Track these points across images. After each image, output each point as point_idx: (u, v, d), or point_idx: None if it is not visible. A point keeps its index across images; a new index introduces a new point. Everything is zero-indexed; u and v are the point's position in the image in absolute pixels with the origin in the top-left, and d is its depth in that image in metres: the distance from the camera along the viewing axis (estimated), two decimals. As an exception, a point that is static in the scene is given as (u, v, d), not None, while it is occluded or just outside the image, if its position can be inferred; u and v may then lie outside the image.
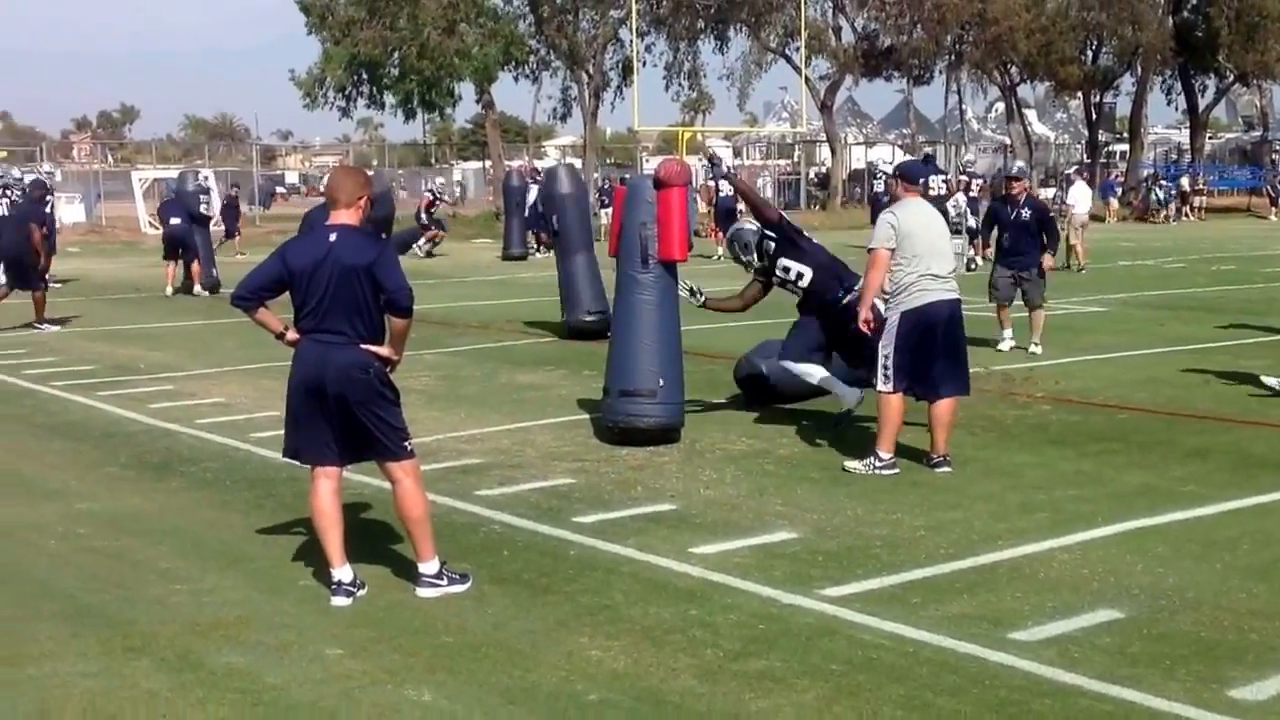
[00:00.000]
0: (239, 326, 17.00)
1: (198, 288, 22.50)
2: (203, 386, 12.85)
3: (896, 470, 8.94)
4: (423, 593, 6.47)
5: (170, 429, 10.76)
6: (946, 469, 9.06)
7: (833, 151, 56.26)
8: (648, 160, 56.78)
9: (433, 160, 66.06)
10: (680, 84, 56.59)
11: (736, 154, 66.68)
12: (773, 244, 10.57)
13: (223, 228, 33.00)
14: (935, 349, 9.01)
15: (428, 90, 50.54)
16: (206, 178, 28.82)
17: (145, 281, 24.54)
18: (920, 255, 8.92)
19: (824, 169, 59.05)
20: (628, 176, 16.38)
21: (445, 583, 6.51)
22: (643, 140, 71.59)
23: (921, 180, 9.72)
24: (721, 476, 9.01)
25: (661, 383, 9.87)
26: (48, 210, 22.54)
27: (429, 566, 6.51)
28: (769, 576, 6.77)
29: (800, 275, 10.45)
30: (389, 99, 51.80)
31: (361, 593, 6.43)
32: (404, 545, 6.92)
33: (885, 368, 8.98)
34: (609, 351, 10.29)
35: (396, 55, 49.65)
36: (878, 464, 8.95)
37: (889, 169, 10.42)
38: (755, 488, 8.71)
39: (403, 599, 6.45)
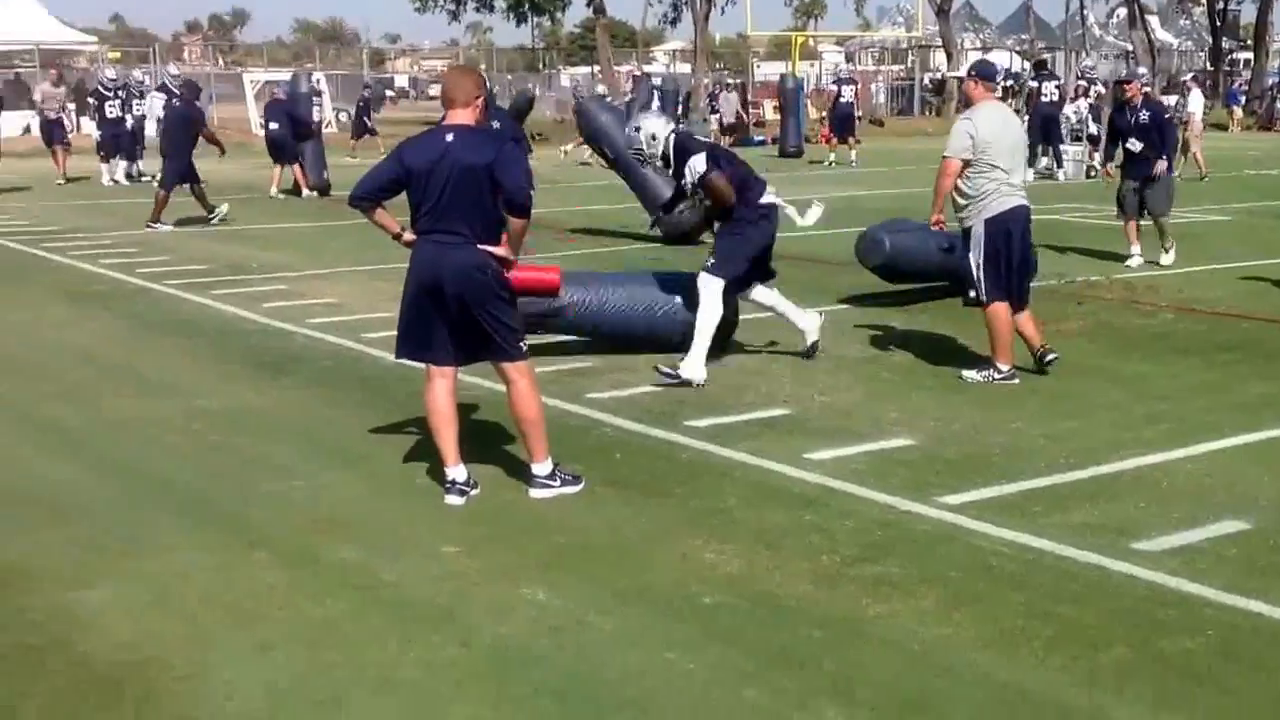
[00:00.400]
0: (350, 228, 17.11)
1: (305, 190, 22.65)
2: (314, 287, 12.93)
3: (1016, 380, 8.75)
4: (535, 493, 6.45)
5: (283, 328, 10.84)
6: (1055, 355, 8.92)
7: (948, 57, 55.10)
8: (758, 66, 56.09)
9: (540, 65, 65.78)
10: (793, -13, 55.72)
11: (849, 59, 65.61)
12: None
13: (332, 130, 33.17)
14: (1014, 257, 8.80)
15: (538, -8, 50.26)
16: (318, 81, 28.84)
17: (257, 182, 24.68)
18: (999, 162, 8.68)
19: (939, 75, 57.92)
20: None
21: (558, 484, 6.49)
22: (753, 45, 70.77)
23: (997, 81, 9.40)
24: (836, 383, 8.89)
25: None
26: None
27: (542, 467, 6.48)
28: (885, 483, 6.68)
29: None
30: (498, 2, 51.62)
31: (475, 492, 6.43)
32: (516, 446, 6.91)
33: (979, 280, 8.77)
34: None
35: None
36: (996, 375, 8.76)
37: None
38: (870, 394, 8.58)
39: (516, 499, 6.44)
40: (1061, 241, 15.17)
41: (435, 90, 65.26)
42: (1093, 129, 26.07)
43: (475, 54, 70.87)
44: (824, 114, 34.33)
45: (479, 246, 6.26)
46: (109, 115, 24.96)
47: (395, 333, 6.57)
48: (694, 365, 8.79)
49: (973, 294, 8.85)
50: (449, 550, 5.76)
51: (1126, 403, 8.36)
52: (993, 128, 8.76)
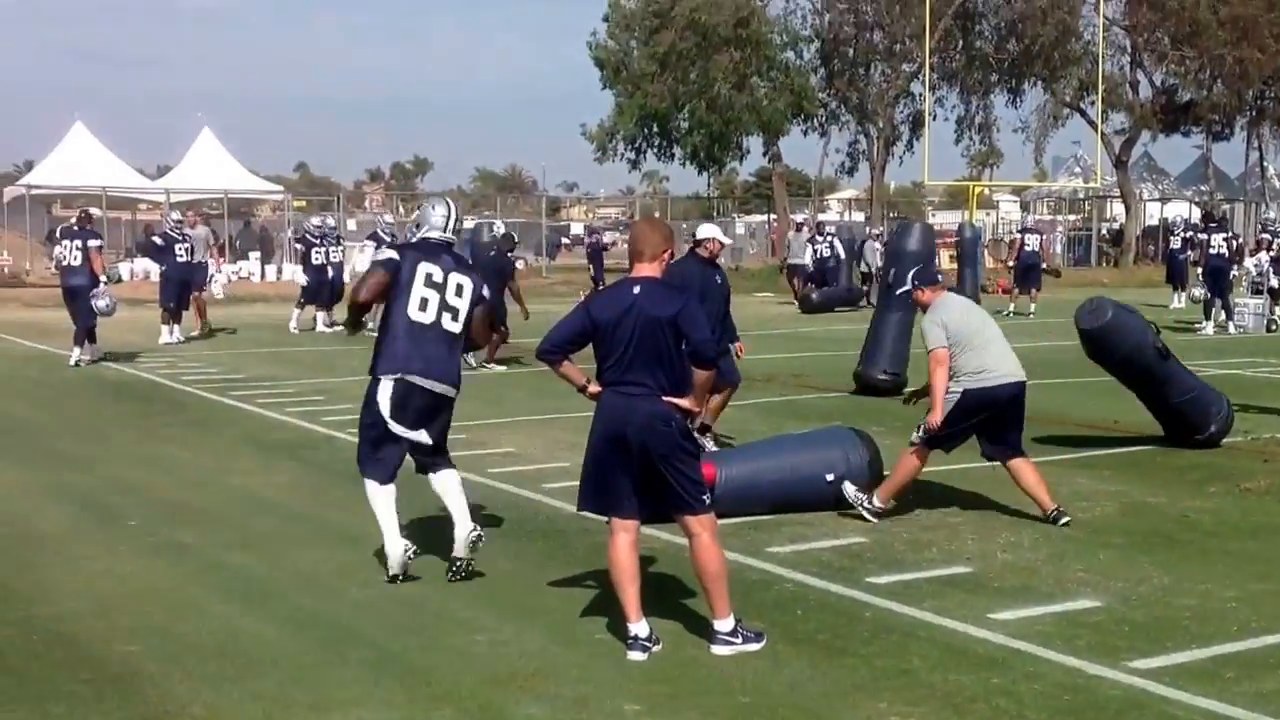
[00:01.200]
0: (527, 377, 17.45)
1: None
2: (493, 435, 13.10)
3: None
4: (718, 650, 6.41)
5: (464, 478, 10.95)
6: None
7: (1127, 208, 54.57)
8: (933, 215, 55.98)
9: (716, 213, 66.59)
10: (971, 137, 55.77)
11: (1024, 208, 65.16)
12: None
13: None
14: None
15: (715, 143, 51.08)
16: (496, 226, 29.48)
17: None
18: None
19: (1116, 225, 57.22)
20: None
21: (740, 640, 6.44)
22: (929, 194, 70.74)
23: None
24: (1019, 540, 8.72)
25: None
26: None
27: (724, 624, 6.44)
28: (1073, 646, 6.52)
29: None
30: (677, 151, 52.54)
31: (657, 648, 6.41)
32: (696, 601, 6.89)
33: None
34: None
35: (686, 109, 50.36)
36: None
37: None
38: (1055, 552, 8.39)
39: (697, 655, 6.40)
40: (1245, 398, 14.73)
41: (610, 238, 66.51)
42: (1274, 282, 25.51)
43: (650, 202, 72.01)
44: (1006, 262, 34.00)
45: (664, 398, 6.34)
46: (314, 262, 25.42)
47: (573, 483, 6.64)
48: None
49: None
50: (632, 708, 5.73)
51: (1321, 564, 8.06)
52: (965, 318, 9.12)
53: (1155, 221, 57.70)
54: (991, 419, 9.15)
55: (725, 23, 47.76)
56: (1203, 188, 59.19)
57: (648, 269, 6.52)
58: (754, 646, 6.44)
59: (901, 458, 9.27)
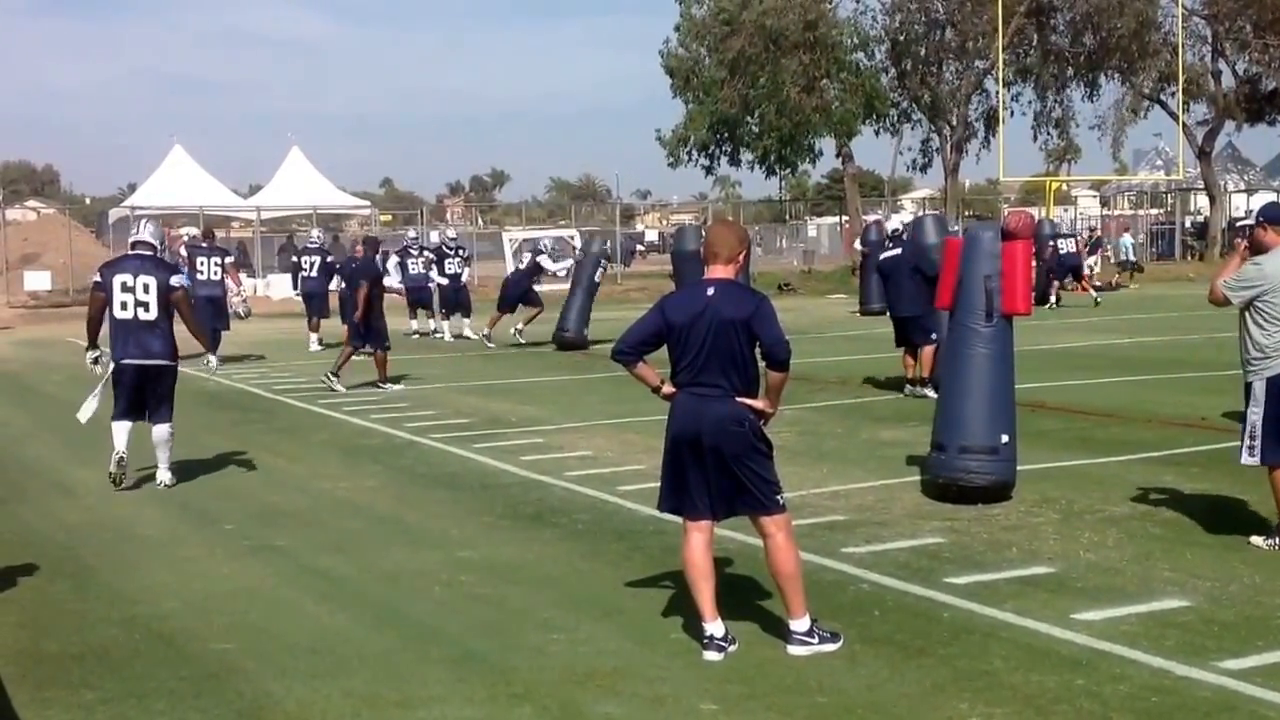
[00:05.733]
0: (602, 381, 17.52)
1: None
2: (570, 440, 13.18)
3: None
4: (794, 650, 6.40)
5: (542, 480, 11.07)
6: None
7: (1211, 200, 53.77)
8: (1008, 212, 55.40)
9: (788, 216, 66.44)
10: (1048, 133, 55.22)
11: (1104, 204, 64.42)
12: None
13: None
14: None
15: (785, 146, 51.03)
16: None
17: (505, 338, 25.44)
18: None
19: (1200, 218, 56.42)
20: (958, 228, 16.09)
21: (816, 641, 6.42)
22: (1004, 191, 70.13)
23: None
24: (1103, 539, 8.61)
25: (1005, 439, 9.61)
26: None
27: (800, 624, 6.43)
28: (1160, 646, 6.42)
29: None
30: (747, 156, 52.58)
31: (733, 648, 6.41)
32: (772, 601, 6.89)
33: (1254, 438, 8.31)
34: (940, 405, 10.08)
35: (757, 113, 50.36)
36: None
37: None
38: (1140, 552, 8.28)
39: (773, 655, 6.39)
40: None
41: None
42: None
43: (723, 207, 71.98)
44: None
45: (737, 399, 6.35)
46: (448, 271, 26.18)
47: (649, 484, 6.67)
48: None
49: (1247, 455, 8.41)
50: (708, 708, 5.74)
51: None
52: None
53: (1241, 213, 56.85)
54: None
55: (794, 26, 47.71)
56: (1291, 177, 58.21)
57: (722, 270, 6.52)
58: (830, 647, 6.42)
59: None
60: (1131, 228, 51.67)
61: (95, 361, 11.23)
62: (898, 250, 16.06)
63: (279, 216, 53.17)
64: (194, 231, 25.85)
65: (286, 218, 54.21)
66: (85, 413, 11.14)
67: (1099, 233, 50.69)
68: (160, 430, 11.06)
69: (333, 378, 17.59)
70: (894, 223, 18.35)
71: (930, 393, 14.45)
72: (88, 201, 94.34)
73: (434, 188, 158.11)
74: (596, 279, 24.36)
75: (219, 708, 5.89)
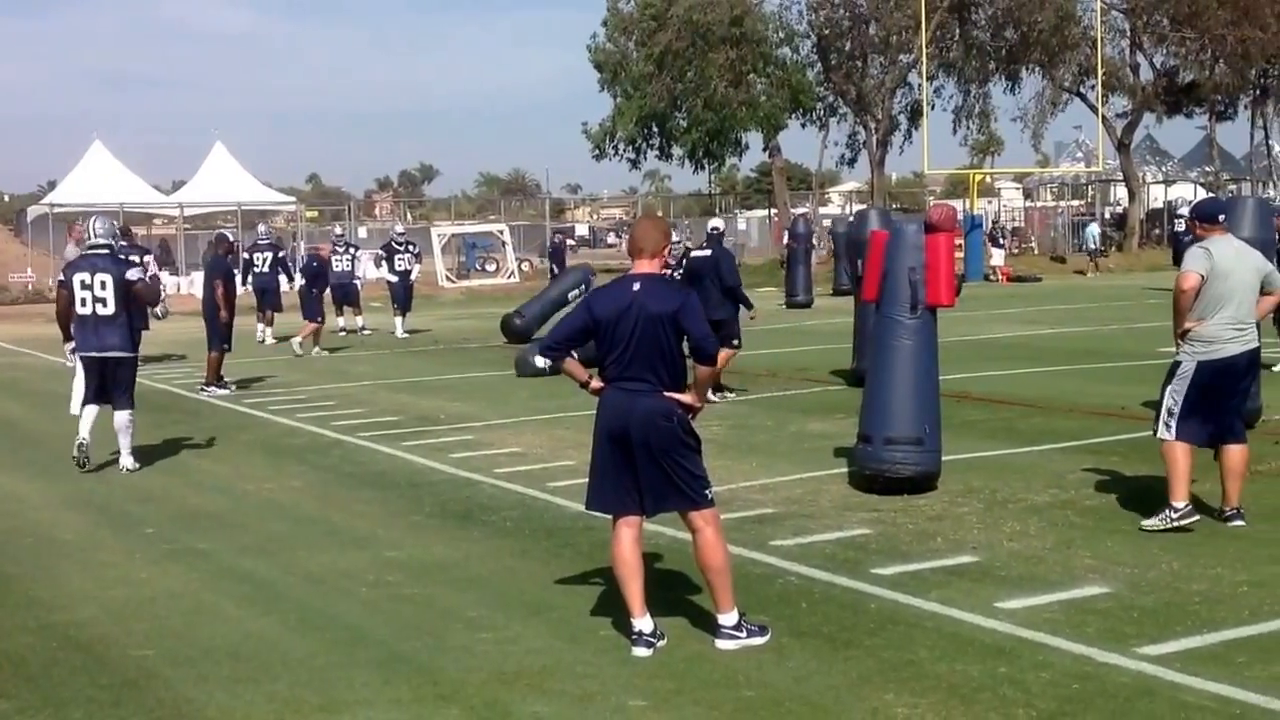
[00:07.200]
0: (532, 378, 17.47)
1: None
2: (500, 436, 13.15)
3: (1196, 518, 8.45)
4: (722, 644, 6.42)
5: (471, 478, 11.04)
6: (1240, 522, 8.59)
7: (1130, 191, 54.49)
8: (933, 205, 55.83)
9: (717, 209, 66.66)
10: (969, 127, 55.82)
11: (1027, 195, 65.13)
12: None
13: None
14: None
15: (713, 140, 51.20)
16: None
17: (444, 335, 25.39)
18: (1227, 299, 8.40)
19: (1120, 209, 57.17)
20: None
21: (744, 635, 6.45)
22: (930, 184, 70.73)
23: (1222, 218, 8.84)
24: (1025, 528, 8.71)
25: (928, 429, 9.70)
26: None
27: (728, 618, 6.46)
28: (1081, 633, 6.51)
29: None
30: (676, 150, 52.69)
31: (661, 643, 6.42)
32: (701, 596, 6.90)
33: (1170, 414, 8.54)
34: (866, 397, 10.16)
35: (684, 107, 50.50)
36: (1173, 515, 8.49)
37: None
38: (1062, 540, 8.39)
39: (702, 650, 6.41)
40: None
41: (613, 239, 66.49)
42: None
43: (653, 201, 72.07)
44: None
45: (665, 394, 6.36)
46: (398, 268, 26.12)
47: (578, 480, 6.66)
48: None
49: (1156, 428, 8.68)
50: (636, 704, 5.75)
51: (1333, 546, 8.05)
52: (1227, 260, 8.47)
53: (1159, 204, 57.68)
54: None
55: (720, 21, 47.89)
56: (1207, 169, 59.02)
57: (647, 265, 6.53)
58: (758, 641, 6.45)
59: None
60: (1098, 217, 52.18)
61: (74, 352, 12.07)
62: (708, 252, 15.52)
63: (203, 213, 52.58)
64: (102, 225, 25.37)
65: (210, 214, 53.62)
66: (75, 405, 12.24)
67: (1006, 225, 51.44)
68: (120, 417, 11.80)
69: (209, 388, 17.35)
70: (715, 221, 18.08)
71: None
72: (6, 199, 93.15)
73: (362, 183, 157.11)
74: (570, 295, 24.41)
75: (138, 716, 5.81)
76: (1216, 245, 8.52)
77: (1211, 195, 24.59)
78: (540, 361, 15.50)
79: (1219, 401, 8.53)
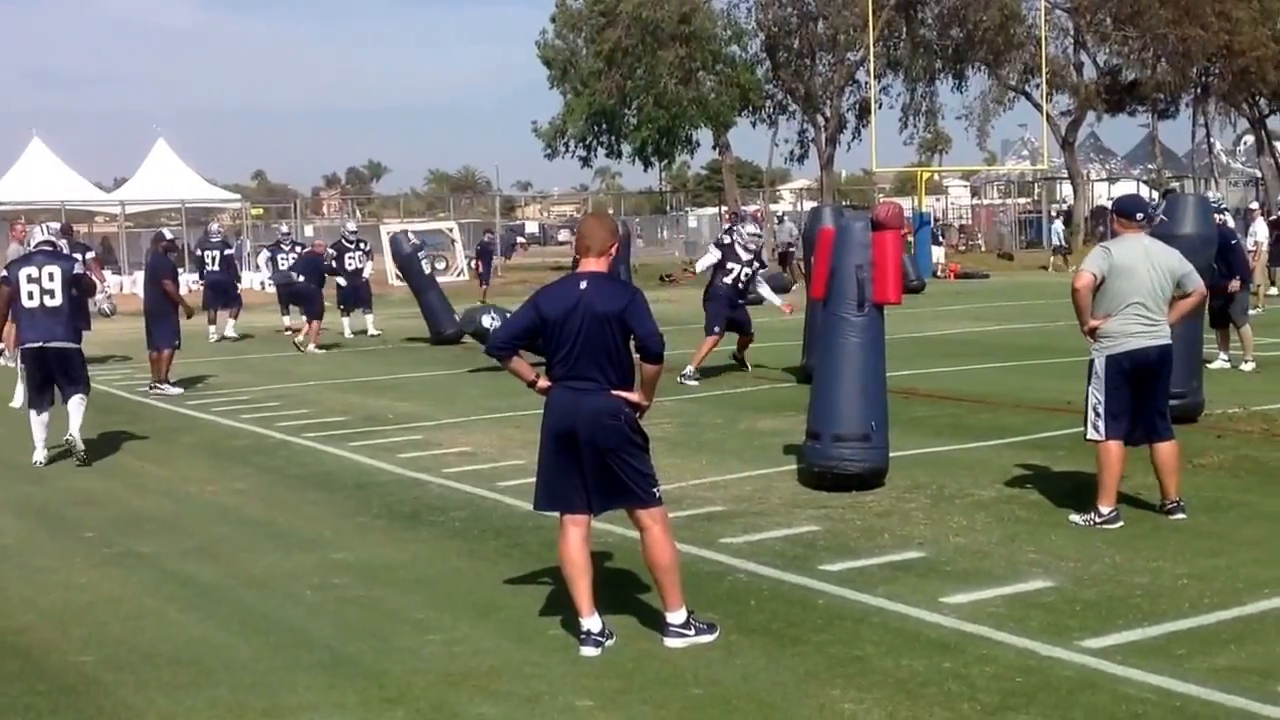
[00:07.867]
0: (482, 376, 17.43)
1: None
2: (449, 436, 13.10)
3: (1120, 524, 8.53)
4: (670, 643, 6.43)
5: (419, 478, 10.99)
6: (1181, 515, 8.69)
7: (1075, 188, 54.97)
8: (882, 202, 56.15)
9: (668, 207, 66.74)
10: (916, 125, 56.16)
11: (975, 193, 65.58)
12: None
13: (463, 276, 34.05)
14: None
15: (663, 138, 51.27)
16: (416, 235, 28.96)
17: (393, 333, 25.23)
18: (1132, 296, 8.48)
19: (1065, 206, 57.68)
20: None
21: (693, 633, 6.46)
22: (879, 182, 71.07)
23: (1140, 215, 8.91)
24: (971, 523, 8.77)
25: (874, 425, 9.75)
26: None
27: (676, 616, 6.46)
28: (1025, 627, 6.56)
29: None
30: (626, 148, 52.73)
31: (610, 642, 6.42)
32: (649, 595, 6.91)
33: (1096, 413, 8.62)
34: (814, 395, 10.20)
35: (634, 104, 50.55)
36: (1097, 520, 8.58)
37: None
38: (1007, 535, 8.45)
39: (650, 649, 6.42)
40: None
41: (564, 235, 66.43)
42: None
43: (604, 198, 72.07)
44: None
45: (612, 393, 6.35)
46: (349, 266, 25.31)
47: (527, 480, 6.64)
48: None
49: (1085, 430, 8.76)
50: (584, 704, 5.74)
51: (1270, 539, 8.17)
52: (1129, 258, 8.55)
53: (1104, 201, 58.12)
54: None
55: (669, 18, 47.97)
56: (1150, 166, 59.68)
57: (594, 264, 6.52)
58: (707, 638, 6.46)
59: None
60: (1063, 214, 52.47)
61: (17, 346, 12.80)
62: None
63: (145, 211, 52.08)
64: (54, 226, 24.99)
65: (153, 212, 53.11)
66: (17, 400, 12.95)
67: (952, 222, 51.77)
68: (75, 400, 12.05)
69: (162, 386, 17.20)
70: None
71: None
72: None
73: (310, 180, 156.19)
74: (428, 271, 24.37)
75: (78, 723, 5.74)
76: (1119, 244, 8.66)
77: (1132, 193, 24.84)
78: (486, 320, 16.51)
79: (1140, 399, 8.62)
